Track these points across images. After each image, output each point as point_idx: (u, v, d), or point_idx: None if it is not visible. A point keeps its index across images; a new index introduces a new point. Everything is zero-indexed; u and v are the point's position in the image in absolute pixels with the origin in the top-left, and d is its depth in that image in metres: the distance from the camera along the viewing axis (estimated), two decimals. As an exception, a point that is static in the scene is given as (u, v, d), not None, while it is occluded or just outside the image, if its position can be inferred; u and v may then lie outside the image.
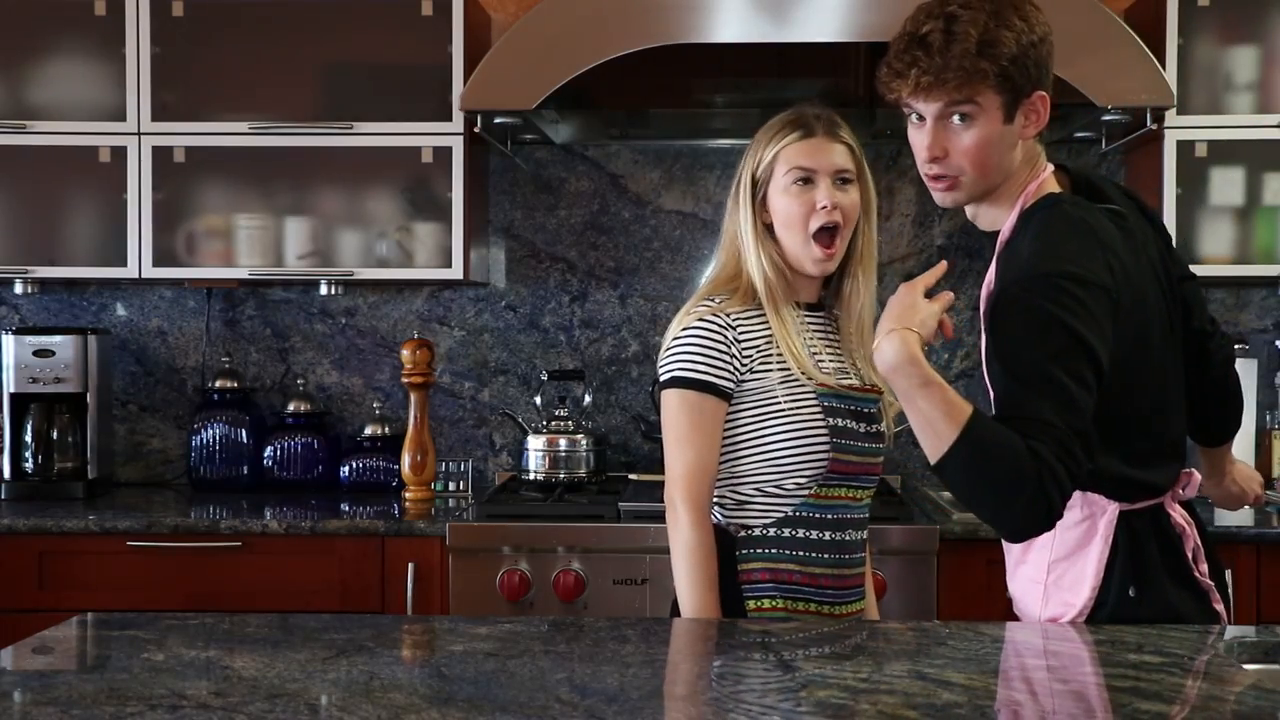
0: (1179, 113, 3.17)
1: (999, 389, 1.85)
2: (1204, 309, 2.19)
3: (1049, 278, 1.81)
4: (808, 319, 2.16)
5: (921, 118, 1.93)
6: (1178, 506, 2.00)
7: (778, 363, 2.09)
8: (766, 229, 2.14)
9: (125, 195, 3.31)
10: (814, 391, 2.09)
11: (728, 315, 2.10)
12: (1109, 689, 1.55)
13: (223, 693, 1.54)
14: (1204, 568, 2.01)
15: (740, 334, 2.09)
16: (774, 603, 2.09)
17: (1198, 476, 2.03)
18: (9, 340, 3.39)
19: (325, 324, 3.67)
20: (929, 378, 1.79)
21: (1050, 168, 2.00)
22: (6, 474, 3.40)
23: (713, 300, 2.12)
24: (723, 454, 2.11)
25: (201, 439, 3.48)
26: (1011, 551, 2.08)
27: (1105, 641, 1.79)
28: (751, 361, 2.09)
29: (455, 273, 3.30)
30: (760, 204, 2.14)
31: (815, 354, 2.13)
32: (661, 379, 2.12)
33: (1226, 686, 1.57)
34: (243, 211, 3.35)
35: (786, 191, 2.11)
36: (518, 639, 1.81)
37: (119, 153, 3.31)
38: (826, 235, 2.10)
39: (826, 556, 2.11)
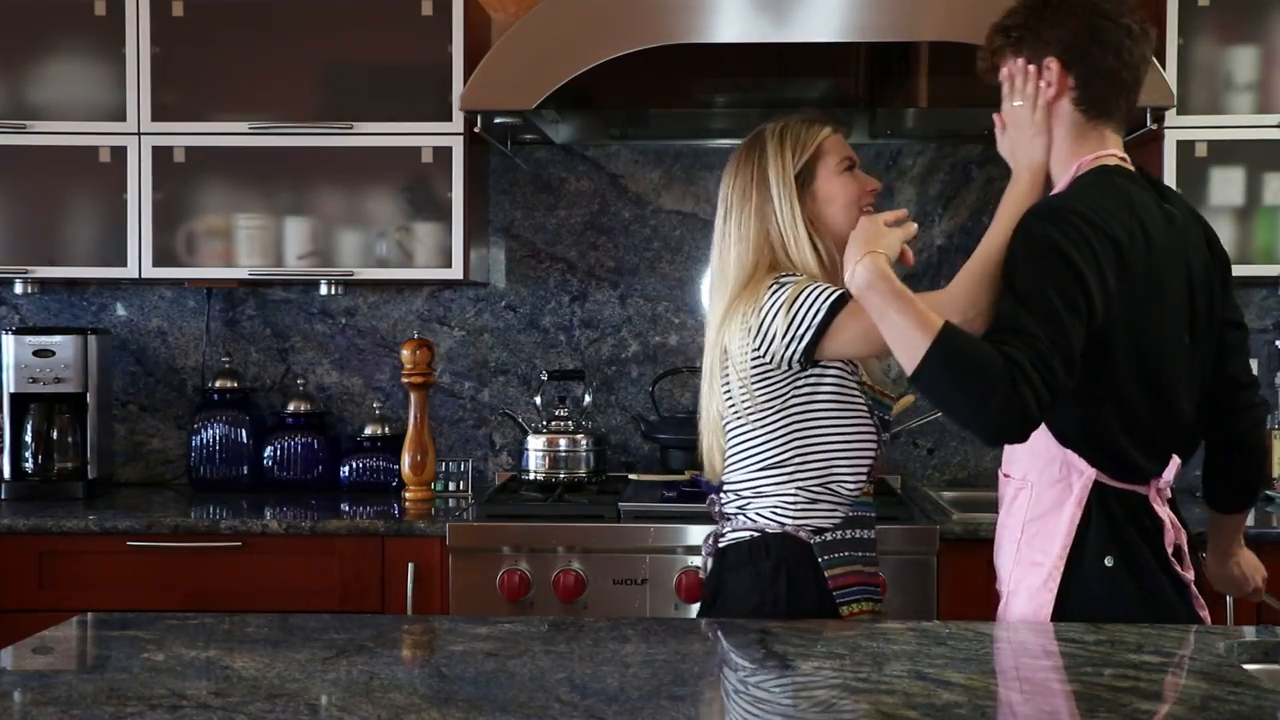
0: (1179, 113, 3.17)
1: (997, 306, 1.94)
2: (1245, 361, 2.21)
3: (1060, 211, 1.93)
4: None
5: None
6: (1165, 506, 2.02)
7: None
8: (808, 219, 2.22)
9: (125, 195, 3.31)
10: (858, 384, 2.18)
11: None
12: (1109, 689, 1.55)
13: (223, 693, 1.54)
14: (1189, 573, 2.02)
15: None
16: (861, 605, 2.16)
17: (1178, 462, 2.04)
18: (9, 340, 3.39)
19: (325, 324, 3.67)
20: (900, 290, 1.91)
21: (1119, 155, 2.05)
22: (6, 474, 3.40)
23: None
24: (792, 449, 2.14)
25: (201, 439, 3.48)
26: (1002, 520, 2.16)
27: (1105, 641, 1.79)
28: None
29: (455, 273, 3.30)
30: (803, 194, 2.22)
31: None
32: (822, 313, 2.07)
33: (1226, 686, 1.57)
34: (243, 211, 3.35)
35: (840, 176, 2.25)
36: (518, 639, 1.81)
37: (119, 153, 3.31)
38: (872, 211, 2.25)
39: (873, 555, 2.22)
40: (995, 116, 2.16)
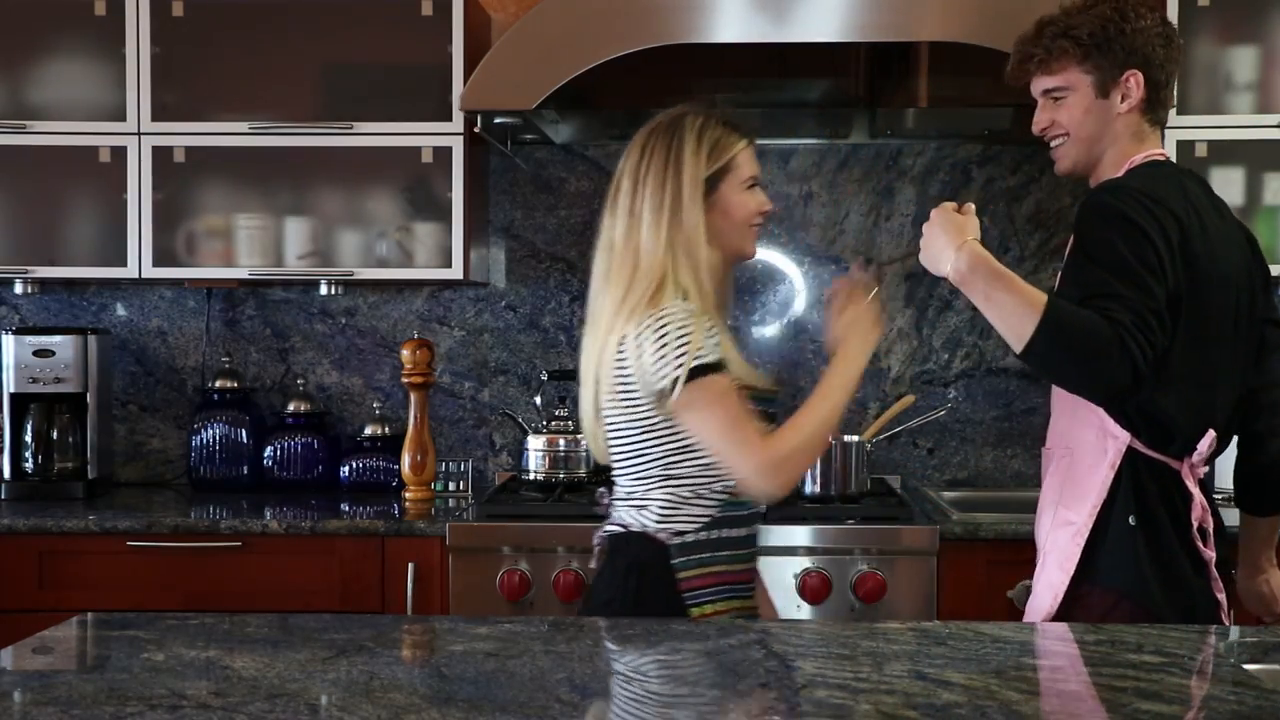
0: (1179, 113, 3.17)
1: (1080, 277, 2.02)
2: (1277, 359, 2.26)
3: (1124, 188, 2.05)
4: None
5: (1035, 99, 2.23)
6: (1196, 485, 2.10)
7: None
8: None
9: (125, 195, 3.31)
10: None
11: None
12: (1109, 689, 1.55)
13: (223, 693, 1.54)
14: (1210, 552, 2.08)
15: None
16: (714, 606, 2.12)
17: (1213, 435, 2.08)
18: (9, 340, 3.39)
19: (325, 324, 3.67)
20: (1001, 271, 2.03)
21: (1165, 153, 2.21)
22: (6, 474, 3.39)
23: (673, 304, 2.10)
24: (656, 456, 2.10)
25: (201, 439, 3.48)
26: (1044, 490, 2.24)
27: (1105, 641, 1.79)
28: None
29: (455, 273, 3.30)
30: (704, 200, 2.15)
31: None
32: (676, 376, 2.04)
33: (1226, 686, 1.57)
34: (243, 211, 3.35)
35: (744, 192, 2.19)
36: (518, 639, 1.81)
37: (119, 153, 3.31)
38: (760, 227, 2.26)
39: (743, 553, 2.18)
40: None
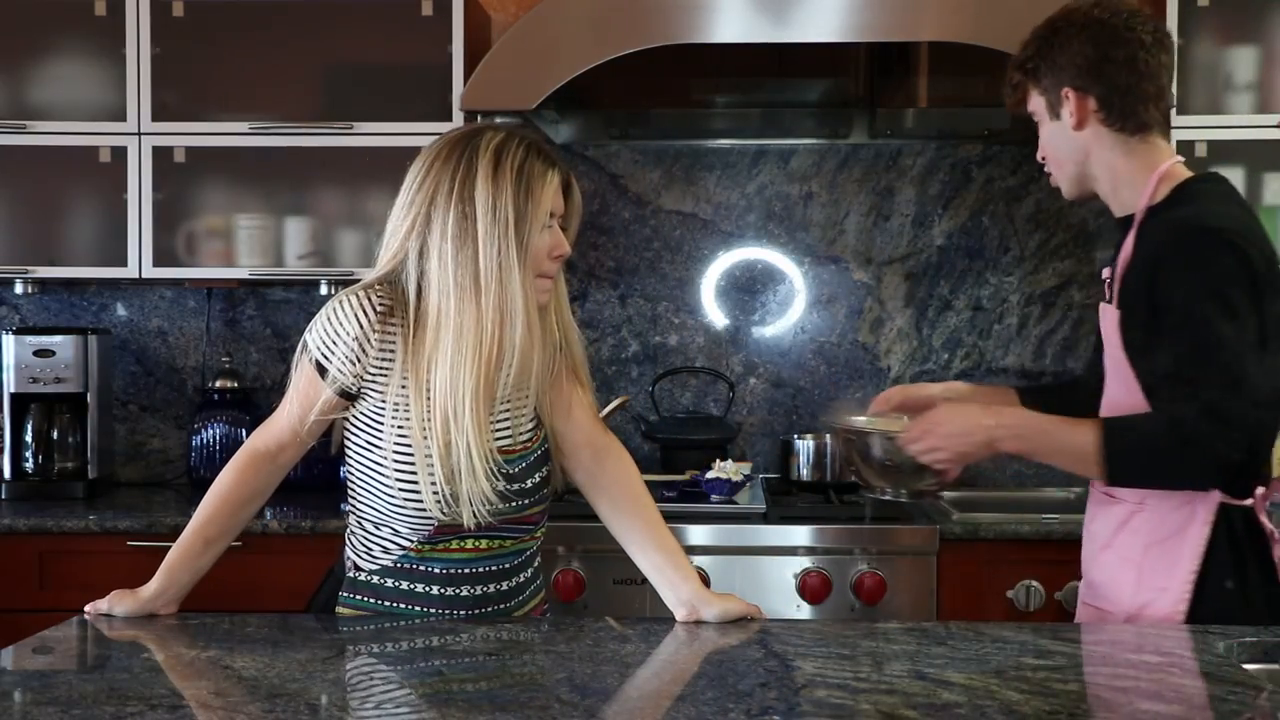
0: (1179, 113, 3.16)
1: (1158, 350, 1.92)
2: None
3: (1218, 232, 1.91)
4: None
5: None
6: (1265, 516, 1.99)
7: None
8: None
9: (125, 195, 3.31)
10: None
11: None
12: (1109, 689, 1.55)
13: (223, 693, 1.54)
14: None
15: None
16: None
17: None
18: (9, 340, 3.39)
19: (325, 324, 3.67)
20: (1036, 431, 2.00)
21: (1180, 161, 2.09)
22: (6, 474, 3.39)
23: None
24: (353, 482, 2.01)
25: (201, 439, 3.48)
26: (1095, 537, 2.09)
27: (1105, 641, 1.79)
28: None
29: (455, 273, 3.29)
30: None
31: None
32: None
33: (1226, 686, 1.57)
34: (243, 211, 3.34)
35: (545, 231, 1.93)
36: (518, 639, 1.81)
37: (119, 153, 3.31)
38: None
39: (423, 610, 1.98)
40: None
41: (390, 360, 1.91)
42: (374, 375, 1.91)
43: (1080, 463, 1.94)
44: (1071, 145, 2.08)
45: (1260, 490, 1.98)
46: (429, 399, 1.87)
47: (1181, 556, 1.96)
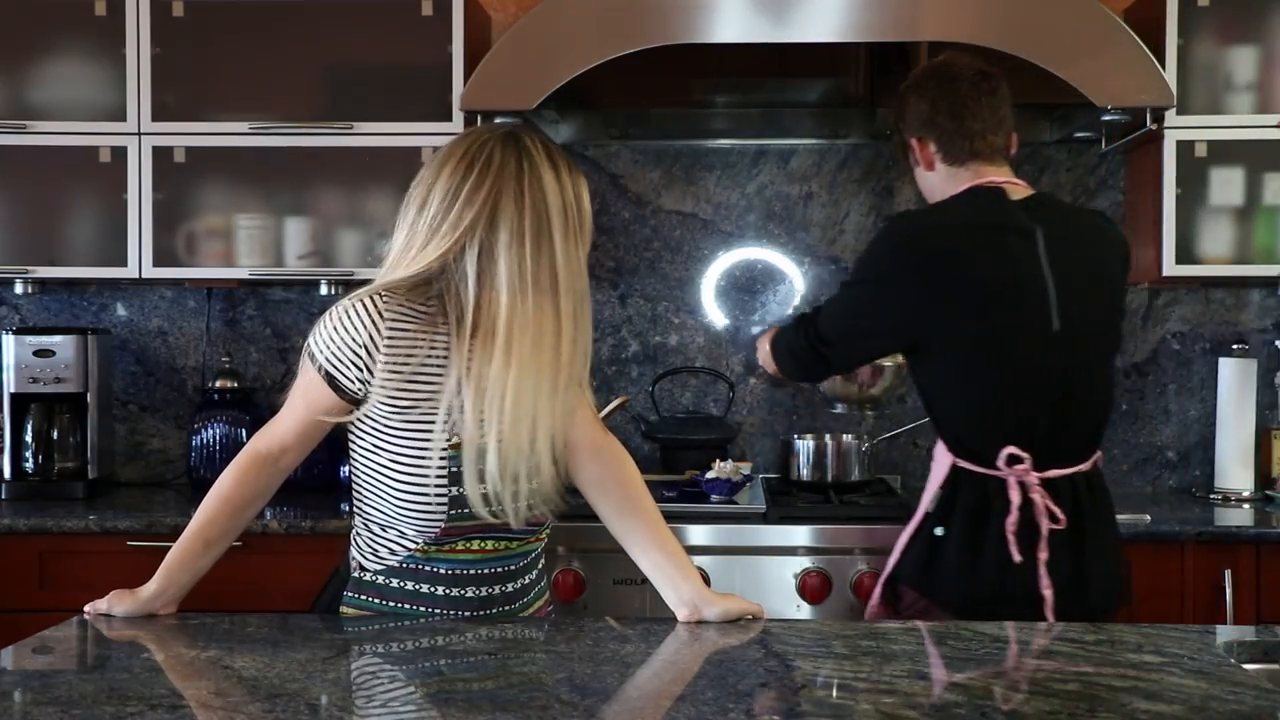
0: (1179, 113, 3.17)
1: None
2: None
3: (888, 222, 2.60)
4: None
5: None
6: (1018, 491, 2.28)
7: None
8: None
9: (125, 195, 3.31)
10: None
11: None
12: (1109, 689, 1.55)
13: (223, 693, 1.54)
14: (1043, 555, 2.27)
15: None
16: None
17: (1012, 449, 2.30)
18: (9, 340, 3.39)
19: (325, 324, 3.67)
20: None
21: (995, 181, 2.42)
22: (6, 474, 3.39)
23: None
24: (360, 485, 2.02)
25: (201, 439, 3.48)
26: None
27: (1105, 641, 1.80)
28: None
29: (455, 273, 3.29)
30: None
31: None
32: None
33: (1226, 686, 1.57)
34: (243, 211, 3.34)
35: None
36: (518, 639, 1.81)
37: (119, 153, 3.31)
38: None
39: (429, 610, 1.98)
40: None
41: (440, 365, 1.89)
42: (406, 380, 1.89)
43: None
44: (928, 184, 2.51)
45: (1014, 467, 2.29)
46: (497, 399, 1.86)
47: (921, 507, 2.41)
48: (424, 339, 1.89)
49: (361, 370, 1.88)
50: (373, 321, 1.88)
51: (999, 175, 2.42)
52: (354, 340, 1.88)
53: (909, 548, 2.39)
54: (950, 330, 2.33)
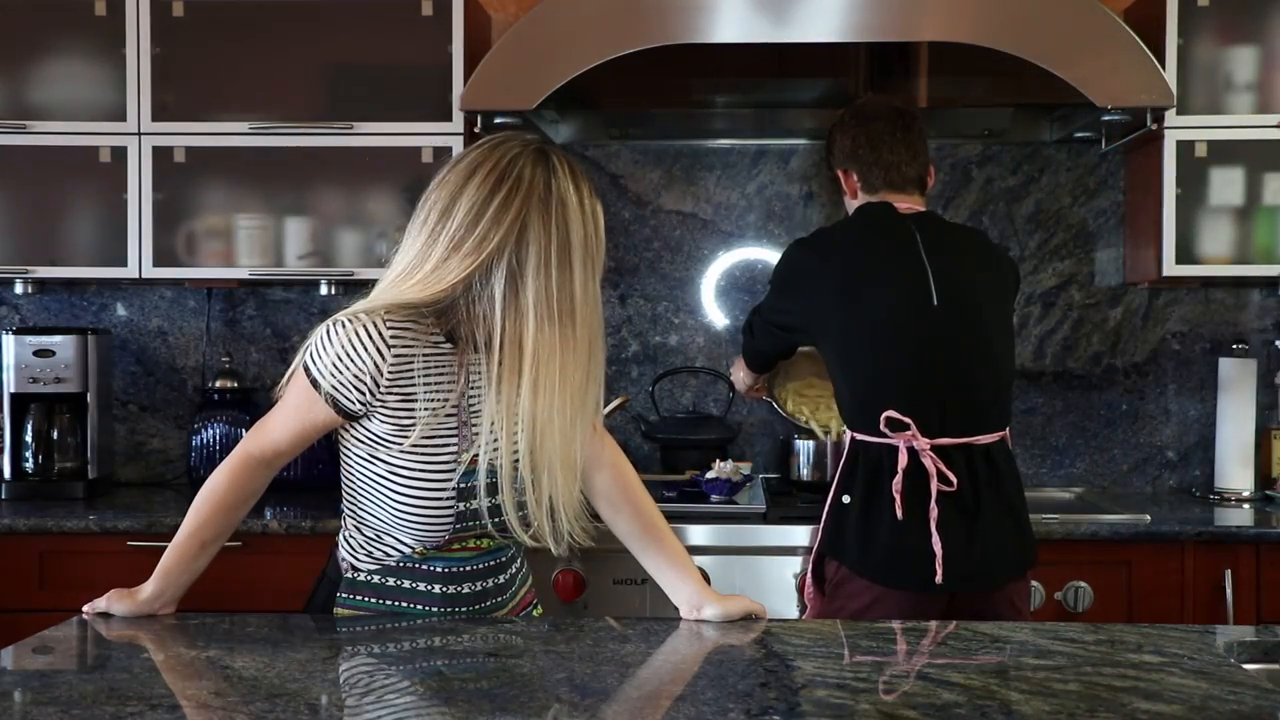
0: (1179, 113, 3.17)
1: None
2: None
3: (793, 245, 2.76)
4: None
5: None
6: (906, 456, 2.47)
7: None
8: None
9: (125, 195, 3.31)
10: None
11: None
12: (1109, 689, 1.55)
13: (223, 693, 1.54)
14: (933, 513, 2.44)
15: None
16: None
17: (891, 414, 2.50)
18: (9, 340, 3.39)
19: (325, 324, 3.67)
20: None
21: (887, 202, 2.68)
22: (6, 474, 3.39)
23: None
24: (353, 488, 2.00)
25: (202, 439, 3.48)
26: None
27: (1105, 641, 1.80)
28: None
29: (455, 273, 3.29)
30: None
31: None
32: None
33: (1226, 686, 1.57)
34: (243, 211, 3.35)
35: None
36: (518, 639, 1.81)
37: (119, 153, 3.31)
38: None
39: (424, 607, 1.99)
40: None
41: (448, 387, 1.89)
42: (411, 403, 1.87)
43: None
44: (853, 210, 2.74)
45: (909, 435, 2.48)
46: (524, 423, 1.85)
47: (835, 480, 2.62)
48: (431, 362, 1.88)
49: (365, 394, 1.87)
50: (378, 350, 1.85)
51: (904, 202, 2.68)
52: (359, 369, 1.85)
53: (825, 522, 2.59)
54: (834, 314, 2.59)
